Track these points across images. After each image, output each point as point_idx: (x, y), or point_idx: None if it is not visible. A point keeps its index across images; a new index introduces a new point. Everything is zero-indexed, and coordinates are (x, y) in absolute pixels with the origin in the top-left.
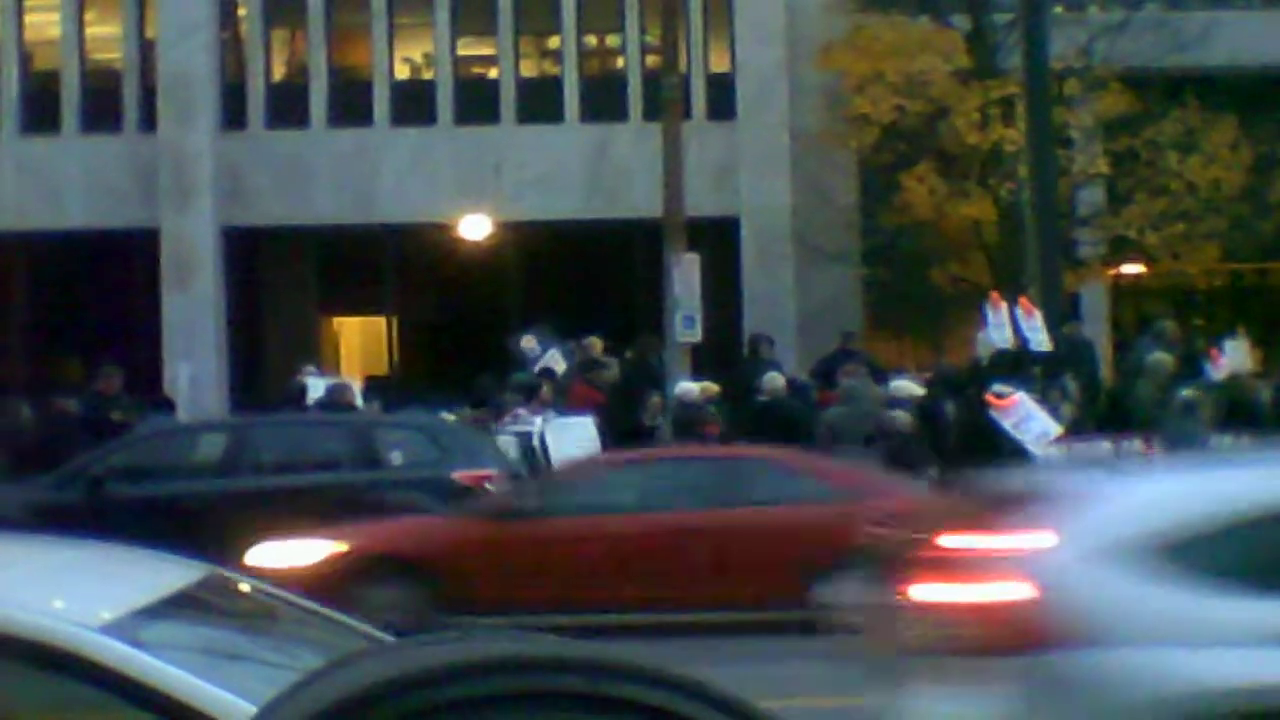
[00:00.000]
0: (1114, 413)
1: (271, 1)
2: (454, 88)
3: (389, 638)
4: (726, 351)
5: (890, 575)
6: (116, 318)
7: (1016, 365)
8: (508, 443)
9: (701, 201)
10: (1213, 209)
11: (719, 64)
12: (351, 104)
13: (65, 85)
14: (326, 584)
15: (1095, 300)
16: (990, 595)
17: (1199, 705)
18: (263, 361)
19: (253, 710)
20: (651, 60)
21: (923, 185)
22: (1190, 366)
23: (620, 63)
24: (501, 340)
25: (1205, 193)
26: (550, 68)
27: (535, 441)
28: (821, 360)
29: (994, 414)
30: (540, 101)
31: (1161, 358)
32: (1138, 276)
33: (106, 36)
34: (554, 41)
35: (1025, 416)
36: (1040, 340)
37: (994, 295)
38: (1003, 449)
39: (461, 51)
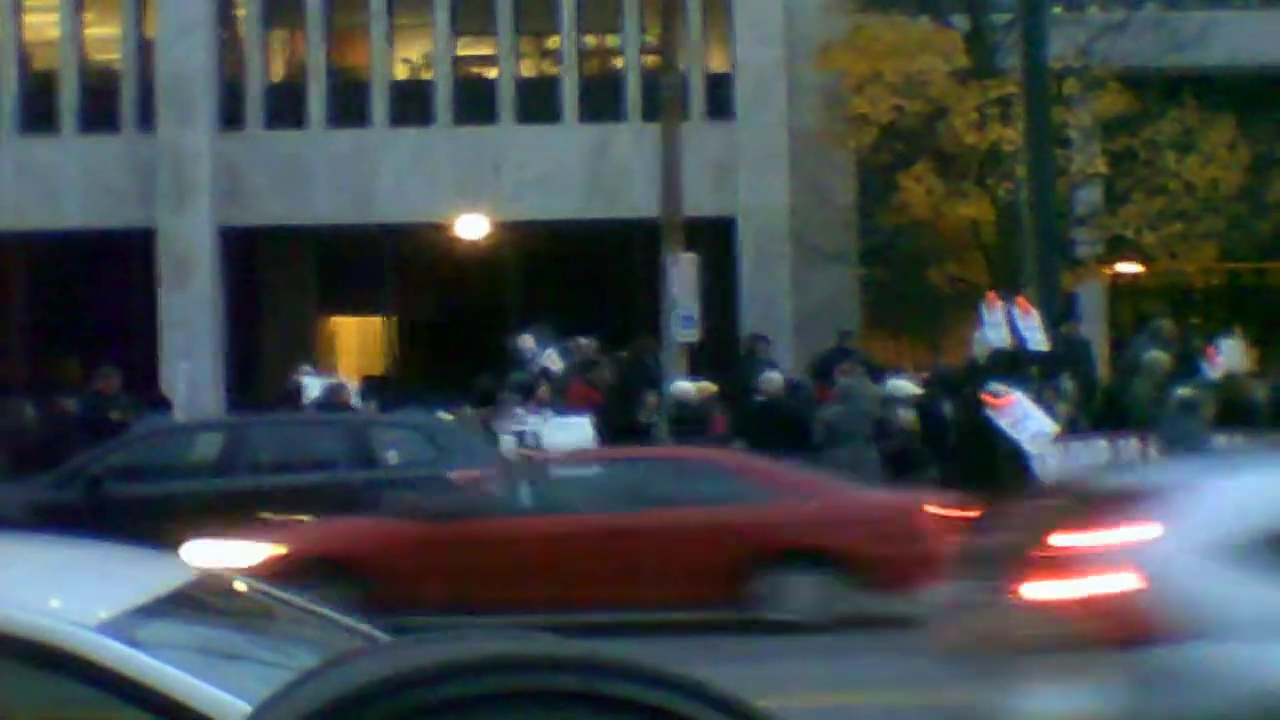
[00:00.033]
0: (1110, 411)
1: (270, 1)
2: (453, 88)
3: (384, 637)
4: (724, 351)
5: (997, 575)
6: (114, 318)
7: (1013, 365)
8: (508, 441)
9: (700, 201)
10: (1210, 209)
11: (718, 64)
12: (350, 104)
13: (63, 85)
14: None
15: (1093, 300)
16: (1098, 590)
17: None
18: (260, 361)
19: (248, 709)
20: (650, 60)
21: (921, 185)
22: (1187, 365)
23: (619, 63)
24: (500, 340)
25: (1203, 192)
26: (549, 68)
27: (532, 440)
28: (819, 359)
29: (990, 413)
30: (539, 101)
31: (1158, 356)
32: (1135, 276)
33: (105, 36)
34: (553, 41)
35: (1022, 416)
36: (1038, 339)
37: (990, 295)
38: (1000, 448)
39: (460, 51)
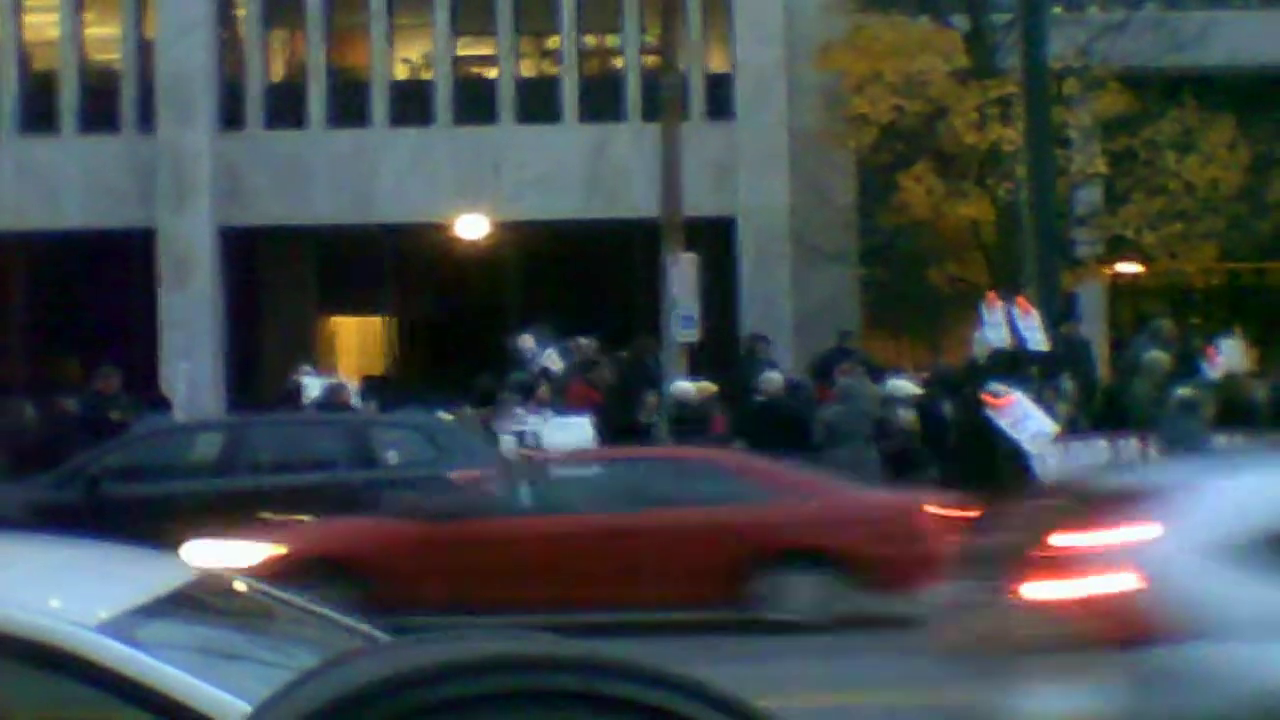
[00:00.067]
0: (1110, 411)
1: (270, 1)
2: (453, 88)
3: (384, 637)
4: (724, 351)
5: (997, 575)
6: (114, 318)
7: (1013, 365)
8: (508, 442)
9: (700, 201)
10: (1210, 208)
11: (717, 64)
12: (350, 104)
13: (63, 85)
14: None
15: (1093, 300)
16: (1098, 590)
17: None
18: (260, 361)
19: (248, 709)
20: (650, 60)
21: (921, 185)
22: (1187, 365)
23: (619, 63)
24: (500, 340)
25: (1203, 192)
26: (549, 68)
27: (532, 440)
28: (819, 359)
29: (990, 413)
30: (539, 101)
31: (1158, 356)
32: (1135, 276)
33: (105, 37)
34: (553, 41)
35: (1022, 416)
36: (1038, 339)
37: (990, 295)
38: (1000, 448)
39: (460, 51)
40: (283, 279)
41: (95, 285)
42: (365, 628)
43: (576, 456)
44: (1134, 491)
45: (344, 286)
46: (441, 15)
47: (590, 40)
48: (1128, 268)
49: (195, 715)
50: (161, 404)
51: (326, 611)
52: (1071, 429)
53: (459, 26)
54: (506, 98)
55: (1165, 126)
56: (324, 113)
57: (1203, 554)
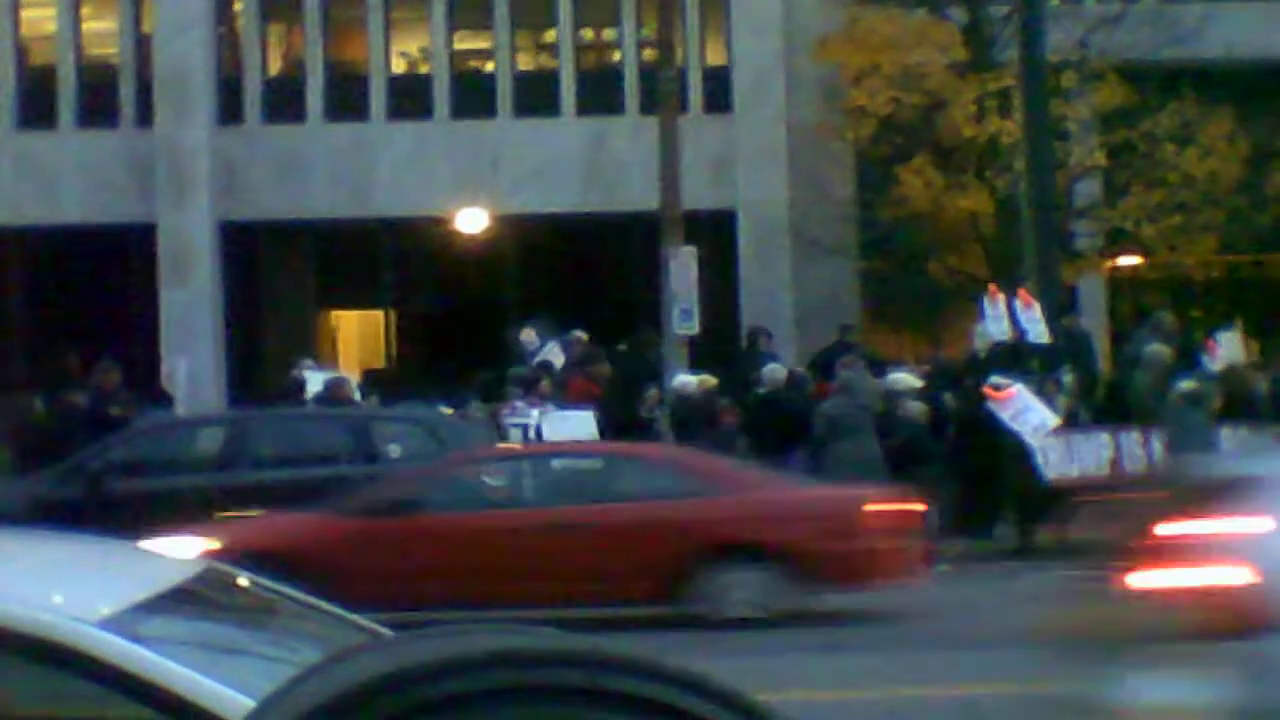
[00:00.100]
0: (1112, 404)
1: None
2: (450, 82)
3: (387, 632)
4: (724, 345)
5: (1103, 563)
6: (114, 313)
7: (1014, 358)
8: (514, 436)
9: (698, 195)
10: (1210, 201)
11: (715, 57)
12: (348, 98)
13: (61, 80)
14: None
15: (1093, 292)
16: (1209, 580)
17: None
18: (260, 355)
19: (251, 704)
20: (648, 54)
21: (920, 178)
22: (1187, 358)
23: (617, 56)
24: (499, 333)
25: (1202, 185)
26: (547, 61)
27: (533, 434)
28: (819, 353)
29: (992, 406)
30: (537, 95)
31: (1159, 349)
32: (1135, 268)
33: (102, 31)
34: (550, 35)
35: (1023, 408)
36: (1039, 332)
37: (992, 288)
38: (1001, 441)
39: (458, 45)
40: (282, 273)
41: (94, 281)
42: (368, 623)
43: (515, 452)
44: (1244, 481)
45: (343, 280)
46: (439, 9)
47: (588, 34)
48: (1127, 260)
49: (198, 711)
50: (163, 399)
51: (329, 607)
52: (1073, 422)
53: (456, 20)
54: (504, 92)
55: (1164, 119)
56: (322, 107)
57: None
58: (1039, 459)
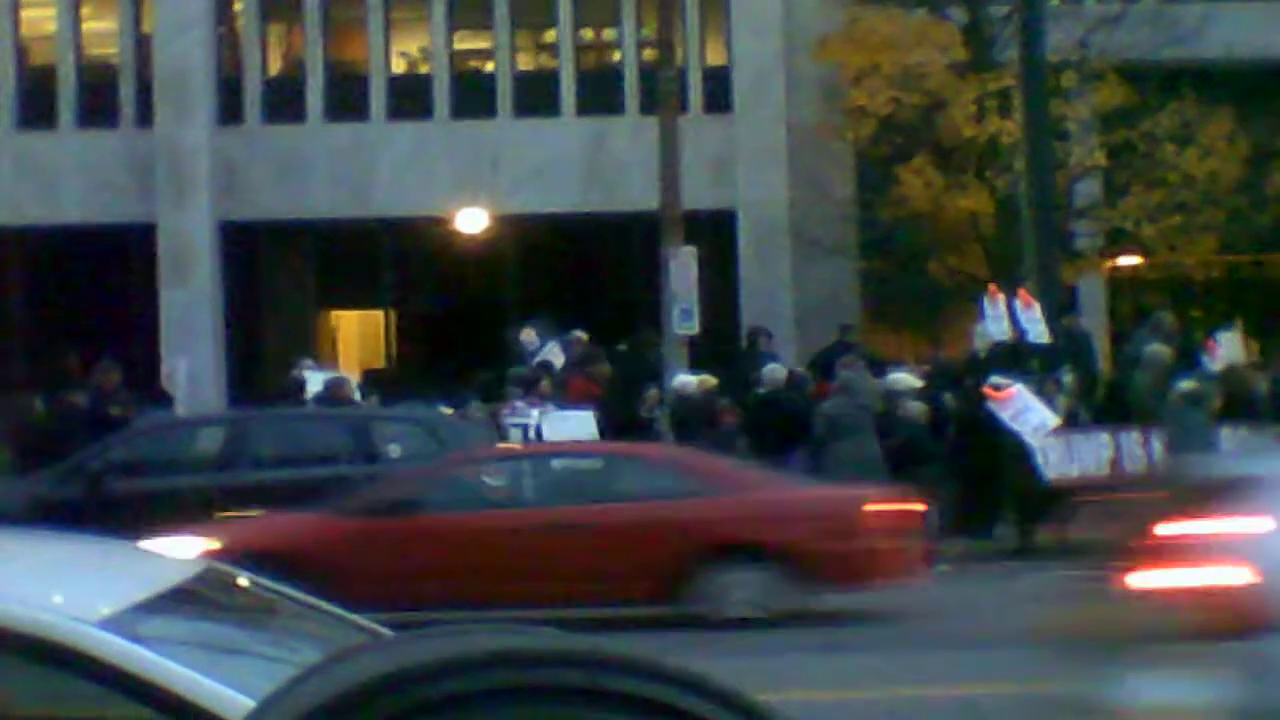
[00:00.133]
0: (1112, 404)
1: None
2: (450, 82)
3: (387, 632)
4: (724, 345)
5: (1103, 563)
6: (114, 313)
7: (1014, 358)
8: (514, 436)
9: (698, 195)
10: (1210, 201)
11: (715, 57)
12: (348, 98)
13: (61, 80)
14: None
15: (1093, 292)
16: (1209, 580)
17: None
18: (260, 355)
19: (252, 704)
20: (648, 54)
21: (920, 178)
22: (1187, 358)
23: (616, 56)
24: (499, 334)
25: (1202, 185)
26: (547, 61)
27: (533, 434)
28: (819, 353)
29: (992, 406)
30: (537, 95)
31: (1159, 349)
32: (1135, 269)
33: (102, 31)
34: (550, 35)
35: (1023, 408)
36: (1039, 332)
37: (992, 288)
38: (1001, 441)
39: (458, 45)
40: (282, 273)
41: (94, 281)
42: (368, 623)
43: (516, 452)
44: (1244, 481)
45: (343, 280)
46: (439, 9)
47: (588, 34)
48: (1127, 260)
49: (198, 711)
50: (163, 399)
51: (329, 607)
52: (1073, 422)
53: (456, 20)
54: (504, 92)
55: (1164, 119)
56: (322, 107)
57: None
58: (1039, 459)
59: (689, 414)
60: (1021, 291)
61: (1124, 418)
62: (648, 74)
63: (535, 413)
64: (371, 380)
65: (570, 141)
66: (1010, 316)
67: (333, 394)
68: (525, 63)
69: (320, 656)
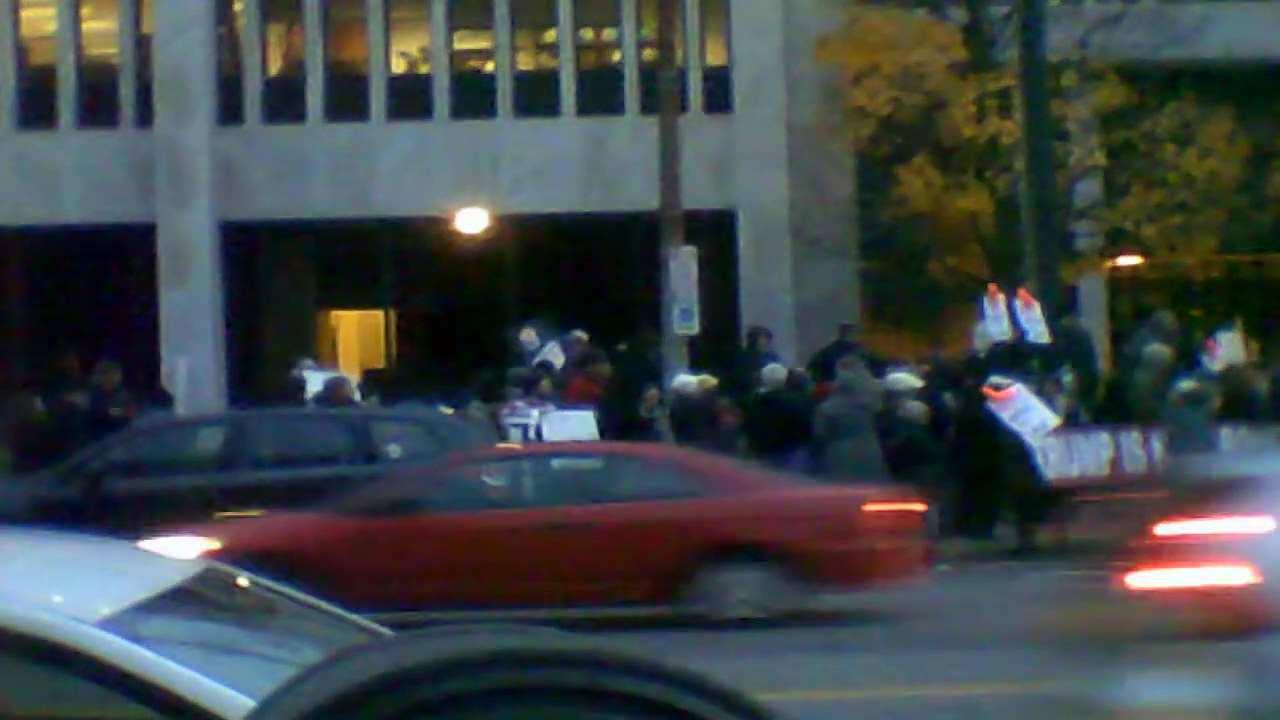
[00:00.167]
0: (1112, 404)
1: None
2: (450, 82)
3: (388, 632)
4: (724, 345)
5: (1105, 563)
6: (114, 313)
7: (1014, 358)
8: (515, 436)
9: (698, 195)
10: (1209, 201)
11: (715, 57)
12: (348, 98)
13: (61, 80)
14: None
15: (1093, 292)
16: (1209, 580)
17: None
18: (261, 356)
19: (252, 704)
20: (648, 54)
21: (920, 178)
22: (1187, 358)
23: (616, 56)
24: (499, 334)
25: (1202, 185)
26: (547, 61)
27: (533, 434)
28: (819, 353)
29: (992, 406)
30: (537, 95)
31: (1159, 349)
32: (1135, 269)
33: (102, 31)
34: (550, 35)
35: (1023, 408)
36: (1039, 332)
37: (992, 288)
38: (1001, 441)
39: (458, 45)
40: (282, 273)
41: (94, 281)
42: (368, 623)
43: (515, 452)
44: (1244, 481)
45: (343, 280)
46: (439, 9)
47: (588, 34)
48: (1128, 260)
49: (198, 711)
50: (163, 399)
51: (329, 607)
52: (1073, 422)
53: (456, 20)
54: (504, 91)
55: (1164, 119)
56: (322, 107)
57: None
58: (1039, 459)
59: (689, 414)
60: (1022, 291)
61: (1124, 418)
62: (648, 74)
63: (535, 413)
64: (371, 380)
65: (570, 141)
66: (1010, 316)
67: (333, 394)
68: (525, 63)
69: (320, 656)
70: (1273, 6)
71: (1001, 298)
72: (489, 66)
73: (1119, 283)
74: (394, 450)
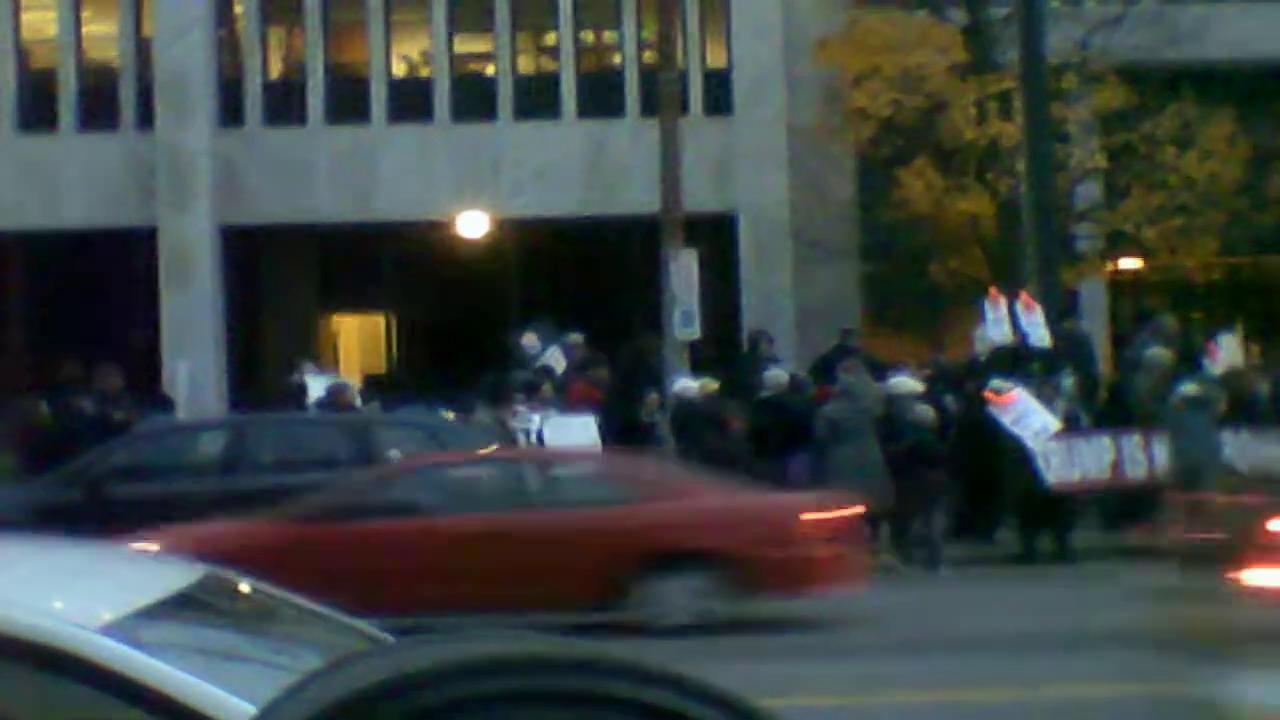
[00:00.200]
0: (1113, 408)
1: None
2: (451, 84)
3: (389, 638)
4: (725, 348)
5: (1215, 563)
6: (115, 317)
7: (1015, 361)
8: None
9: (699, 197)
10: (1210, 203)
11: (716, 59)
12: (349, 101)
13: (62, 84)
14: None
15: (1094, 295)
16: None
17: None
18: (262, 360)
19: (253, 711)
20: (648, 56)
21: (920, 180)
22: (1188, 361)
23: (617, 59)
24: (500, 337)
25: (1202, 187)
26: (547, 64)
27: (534, 438)
28: (821, 357)
29: (993, 410)
30: (537, 98)
31: (1160, 352)
32: (1136, 271)
33: (103, 35)
34: (551, 38)
35: (1024, 412)
36: (1040, 336)
37: (993, 291)
38: (1002, 445)
39: (458, 48)
40: (283, 277)
41: (95, 284)
42: (369, 629)
43: (454, 458)
44: None
45: (344, 284)
46: (439, 12)
47: (588, 36)
48: (1128, 263)
49: (200, 717)
50: (164, 403)
51: (331, 613)
52: (1074, 426)
53: (457, 23)
54: (505, 94)
55: (1164, 121)
56: (323, 110)
57: None
58: (1040, 463)
59: (690, 418)
60: (1023, 294)
61: (1125, 421)
62: (648, 76)
63: (537, 417)
64: (373, 385)
65: (571, 144)
66: (1011, 320)
67: (334, 399)
68: (526, 65)
69: (321, 662)
70: (1273, 7)
71: (1003, 301)
72: (490, 69)
73: (1120, 286)
74: (395, 455)
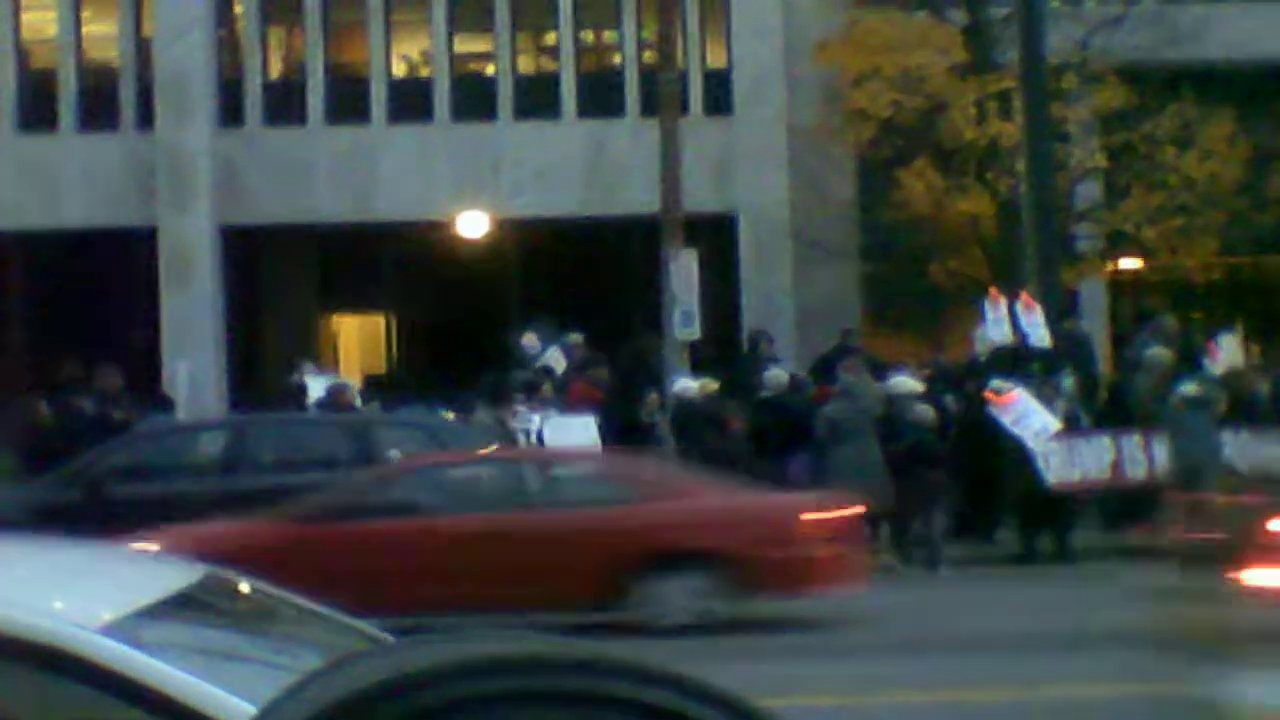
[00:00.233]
0: (1113, 408)
1: None
2: (451, 84)
3: (389, 638)
4: (725, 348)
5: (1215, 562)
6: (115, 317)
7: (1015, 361)
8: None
9: (699, 197)
10: (1210, 203)
11: (716, 59)
12: (349, 101)
13: (62, 84)
14: None
15: (1094, 295)
16: None
17: None
18: (262, 360)
19: (253, 711)
20: (648, 56)
21: (920, 180)
22: (1188, 361)
23: (617, 59)
24: (500, 337)
25: (1202, 187)
26: (547, 64)
27: (534, 438)
28: (821, 357)
29: (993, 410)
30: (537, 98)
31: (1160, 353)
32: (1136, 271)
33: (103, 35)
34: (551, 38)
35: (1025, 413)
36: (1041, 336)
37: (993, 291)
38: (1002, 445)
39: (458, 48)
40: (283, 277)
41: (95, 284)
42: (369, 629)
43: (453, 458)
44: None
45: (344, 284)
46: (439, 12)
47: (588, 36)
48: (1128, 263)
49: (199, 717)
50: (164, 403)
51: (331, 613)
52: (1074, 426)
53: (457, 23)
54: (505, 94)
55: (1164, 121)
56: (323, 110)
57: None
58: (1040, 463)
59: (690, 418)
60: (1023, 295)
61: (1125, 421)
62: (648, 76)
63: (537, 418)
64: (373, 385)
65: (571, 144)
66: (1012, 320)
67: (334, 399)
68: (526, 65)
69: (322, 662)
70: (1273, 7)
71: (1003, 301)
72: (490, 69)
73: (1120, 285)
74: (395, 455)
